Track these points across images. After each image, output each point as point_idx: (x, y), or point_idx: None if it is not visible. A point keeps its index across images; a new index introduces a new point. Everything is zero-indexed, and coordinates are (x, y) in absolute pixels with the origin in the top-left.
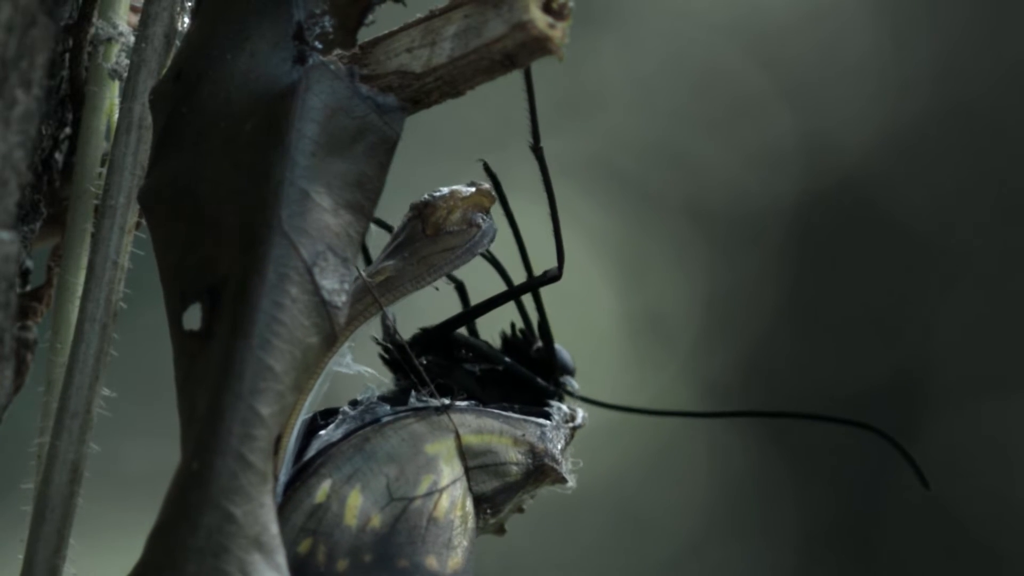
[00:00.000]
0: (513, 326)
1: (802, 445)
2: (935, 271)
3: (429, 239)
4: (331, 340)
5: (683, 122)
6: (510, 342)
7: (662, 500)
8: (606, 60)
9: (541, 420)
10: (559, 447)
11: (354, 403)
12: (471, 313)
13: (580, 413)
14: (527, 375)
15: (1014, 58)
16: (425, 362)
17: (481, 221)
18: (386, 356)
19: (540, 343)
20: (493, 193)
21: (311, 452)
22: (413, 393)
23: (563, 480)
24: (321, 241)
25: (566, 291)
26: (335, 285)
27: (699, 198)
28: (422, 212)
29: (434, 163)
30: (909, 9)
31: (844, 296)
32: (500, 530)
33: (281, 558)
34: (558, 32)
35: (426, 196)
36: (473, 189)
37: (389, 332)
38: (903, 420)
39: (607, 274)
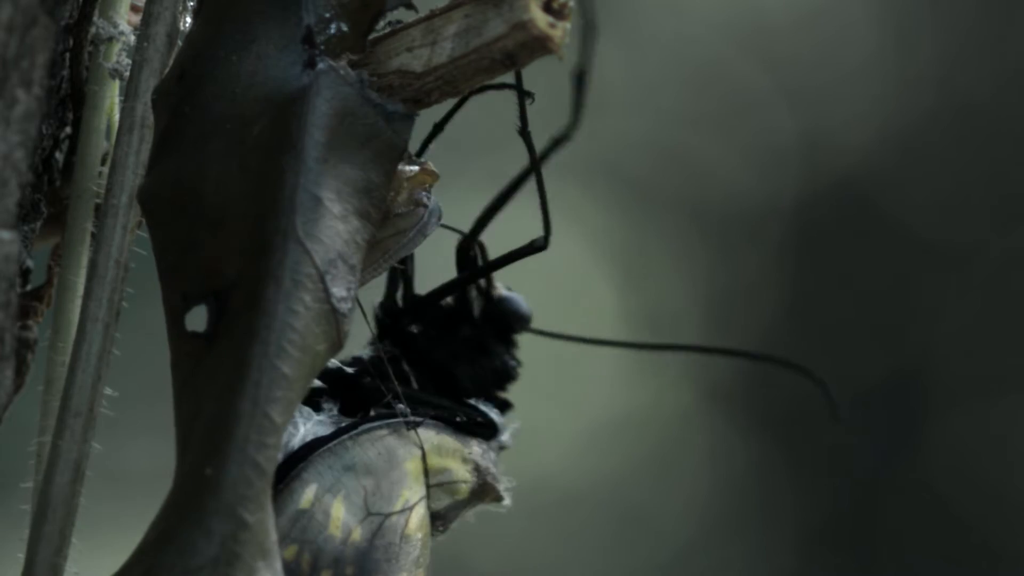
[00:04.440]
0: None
1: (803, 445)
2: (935, 271)
3: (380, 224)
4: (336, 348)
5: (683, 122)
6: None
7: (662, 500)
8: (606, 60)
9: (480, 440)
10: (496, 465)
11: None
12: (459, 282)
13: (506, 433)
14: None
15: (1017, 58)
16: (416, 331)
17: (426, 200)
18: (381, 319)
19: (500, 291)
20: (436, 171)
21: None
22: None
23: (500, 498)
24: (332, 248)
25: (566, 290)
26: (343, 292)
27: (699, 198)
28: None
29: (435, 161)
30: (911, 8)
31: (844, 296)
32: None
33: (279, 563)
34: (558, 31)
35: None
36: (416, 168)
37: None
38: (903, 420)
39: (607, 274)
